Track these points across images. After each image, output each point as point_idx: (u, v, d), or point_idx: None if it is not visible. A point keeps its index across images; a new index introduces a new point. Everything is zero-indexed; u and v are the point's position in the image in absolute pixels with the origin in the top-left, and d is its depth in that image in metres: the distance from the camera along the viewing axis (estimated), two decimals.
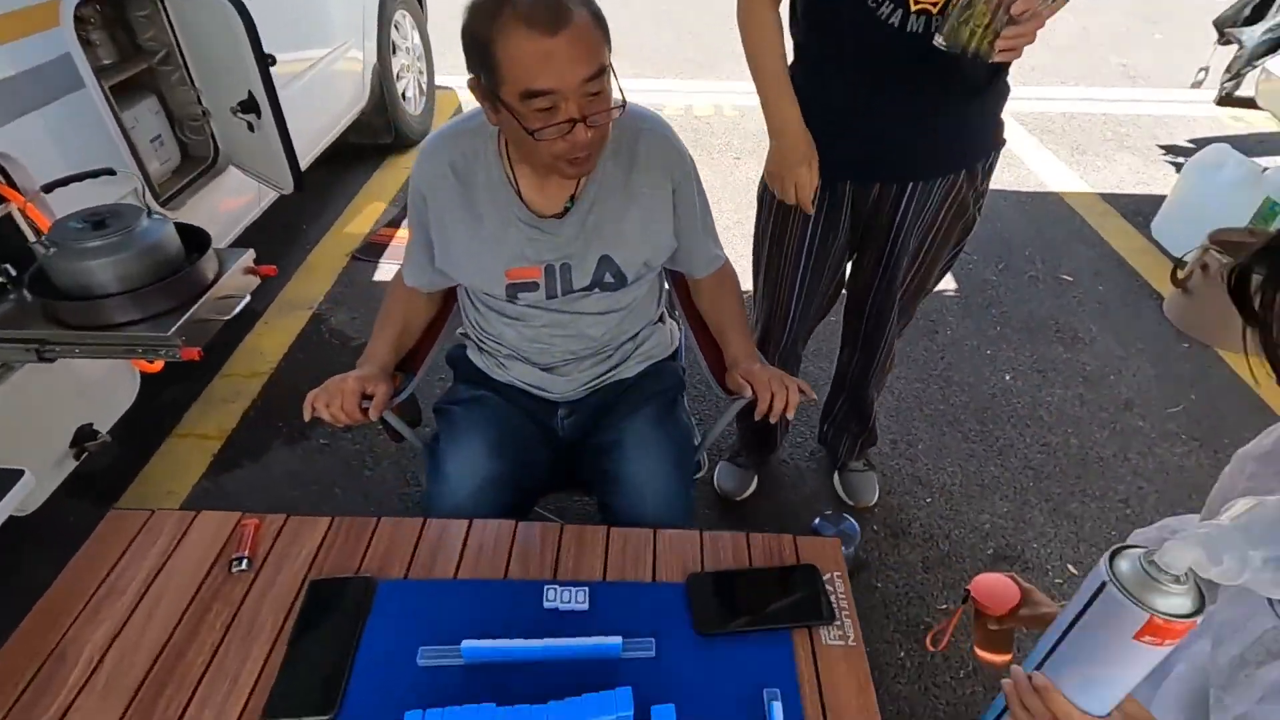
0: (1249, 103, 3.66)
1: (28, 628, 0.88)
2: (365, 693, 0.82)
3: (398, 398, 1.27)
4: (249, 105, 1.75)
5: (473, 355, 1.36)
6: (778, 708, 0.79)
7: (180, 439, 2.04)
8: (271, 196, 2.40)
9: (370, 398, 1.16)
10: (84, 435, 1.53)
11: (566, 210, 1.16)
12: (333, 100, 2.91)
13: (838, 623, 0.91)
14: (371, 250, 2.88)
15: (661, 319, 1.42)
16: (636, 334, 1.35)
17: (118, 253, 1.16)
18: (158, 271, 1.21)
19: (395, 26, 3.42)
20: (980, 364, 2.36)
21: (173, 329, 1.17)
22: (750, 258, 1.57)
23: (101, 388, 1.62)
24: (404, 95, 3.56)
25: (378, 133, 3.38)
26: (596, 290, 1.21)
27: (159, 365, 1.61)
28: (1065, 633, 0.61)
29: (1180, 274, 2.48)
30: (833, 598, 0.93)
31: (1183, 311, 2.50)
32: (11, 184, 1.37)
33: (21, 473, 1.21)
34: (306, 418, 1.13)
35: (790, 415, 1.15)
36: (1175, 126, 4.12)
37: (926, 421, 2.14)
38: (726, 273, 1.35)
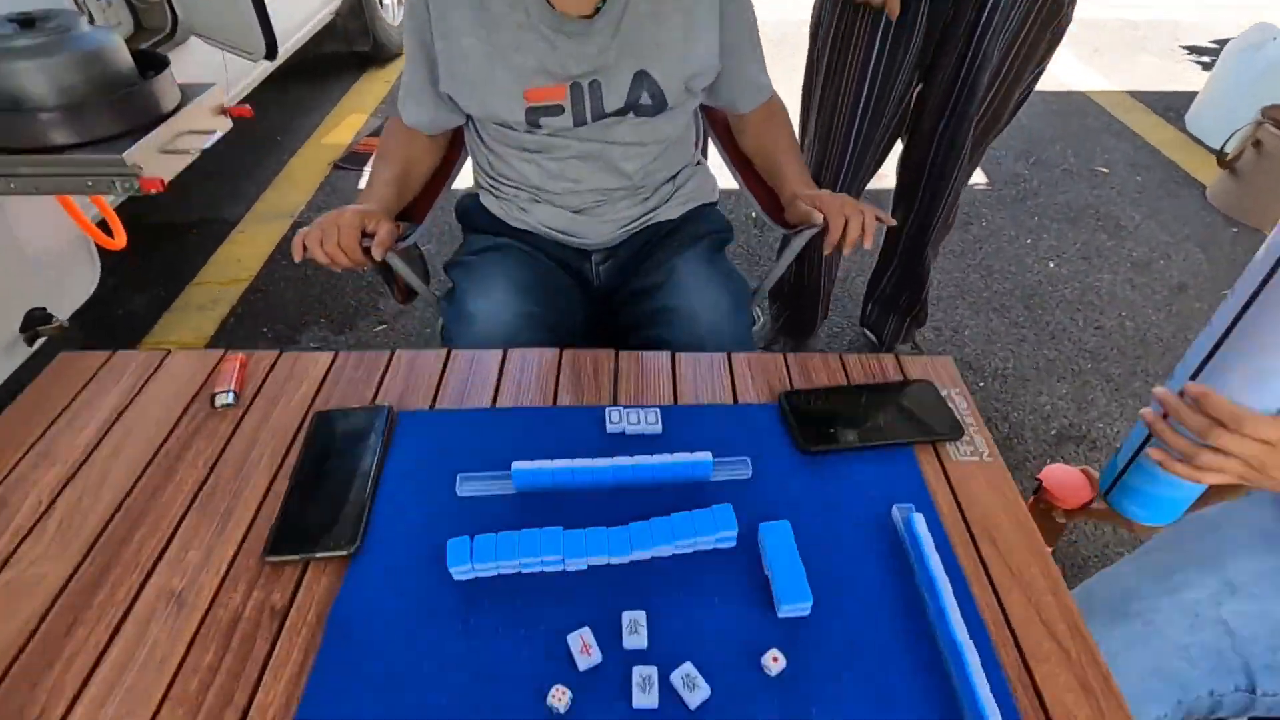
0: None
1: None
2: (393, 526, 0.65)
3: (402, 241, 1.07)
4: None
5: (487, 203, 1.16)
6: (918, 520, 0.62)
7: (152, 347, 1.83)
8: (242, 83, 2.15)
9: (371, 236, 0.96)
10: (36, 319, 1.33)
11: (597, 10, 0.96)
12: None
13: (967, 438, 0.74)
14: (355, 159, 2.64)
15: (699, 164, 1.23)
16: (676, 175, 1.16)
17: (51, 55, 0.95)
18: (104, 87, 0.99)
19: None
20: (1021, 252, 2.20)
21: (126, 151, 0.97)
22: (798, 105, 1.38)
23: (55, 268, 1.41)
24: (382, 2, 3.28)
25: (354, 39, 3.10)
26: (631, 115, 1.02)
27: (120, 240, 1.40)
28: (1229, 330, 0.57)
29: (1229, 154, 2.31)
30: (955, 414, 0.76)
31: (1232, 195, 2.35)
32: None
33: None
34: (297, 258, 0.93)
35: (868, 243, 0.98)
36: (1194, 30, 3.93)
37: (970, 309, 1.98)
38: (775, 106, 1.16)
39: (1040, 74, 1.27)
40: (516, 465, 0.66)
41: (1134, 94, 3.18)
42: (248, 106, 1.21)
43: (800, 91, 1.39)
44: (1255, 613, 0.70)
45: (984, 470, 0.71)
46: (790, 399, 0.76)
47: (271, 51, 1.68)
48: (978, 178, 2.54)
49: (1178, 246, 2.24)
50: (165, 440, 0.73)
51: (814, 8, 1.26)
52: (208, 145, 1.13)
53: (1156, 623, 0.70)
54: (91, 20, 1.48)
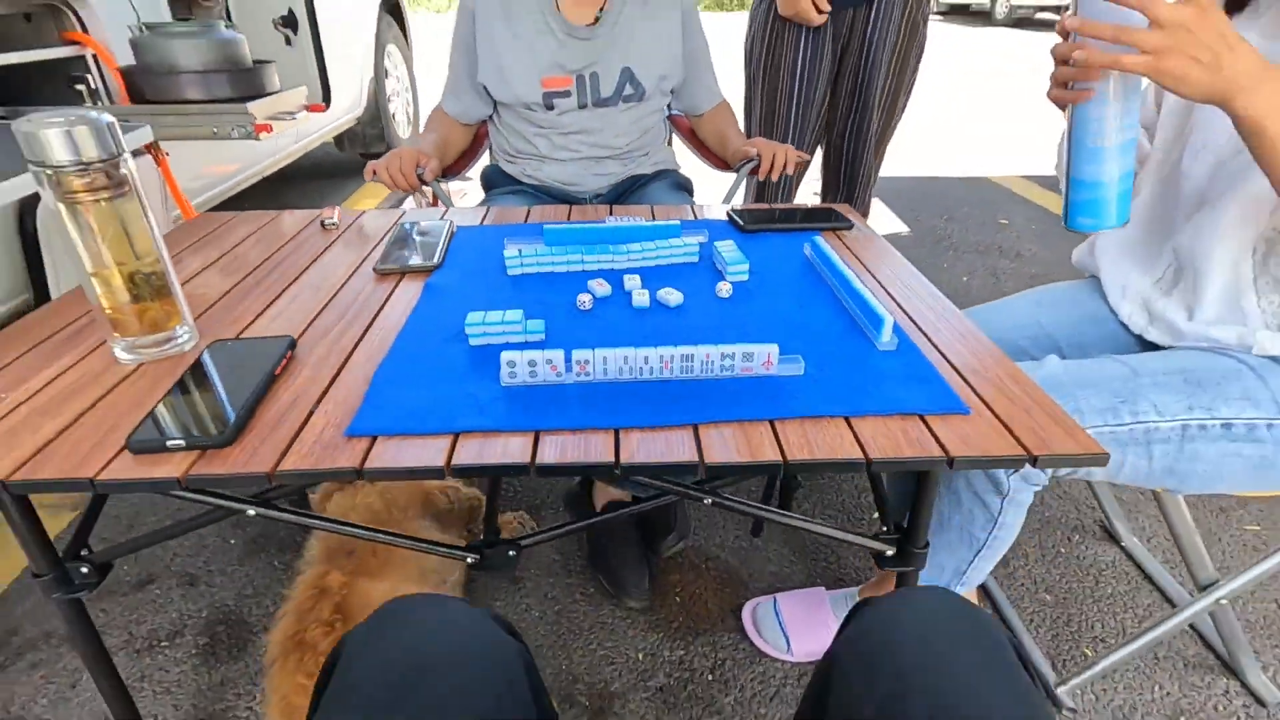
0: None
1: None
2: (463, 256, 0.94)
3: (443, 178, 1.43)
4: (288, 20, 1.98)
5: (505, 168, 1.54)
6: (821, 241, 0.93)
7: None
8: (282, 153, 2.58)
9: (423, 169, 1.32)
10: None
11: (597, 20, 1.40)
12: (339, 84, 3.15)
13: (858, 228, 1.07)
14: None
15: (668, 146, 1.64)
16: (649, 151, 1.56)
17: (198, 38, 1.33)
18: (228, 65, 1.38)
19: (387, 55, 3.78)
20: (937, 273, 2.62)
21: (249, 105, 1.33)
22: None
23: None
24: (394, 117, 3.88)
25: (370, 143, 3.65)
26: (621, 103, 1.43)
27: (191, 213, 1.72)
28: None
29: None
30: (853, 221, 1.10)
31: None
32: (84, 29, 1.54)
33: None
34: (368, 179, 1.29)
35: (791, 171, 1.36)
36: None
37: None
38: (726, 106, 1.59)
39: (914, 80, 1.73)
40: (548, 225, 0.97)
41: (1026, 177, 3.82)
42: (321, 104, 1.60)
43: (742, 102, 1.84)
44: (1058, 316, 1.01)
45: (871, 239, 1.04)
46: (734, 211, 1.09)
47: (327, 101, 2.12)
48: (901, 228, 3.03)
49: (1065, 266, 2.68)
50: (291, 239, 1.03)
51: (746, 33, 1.73)
52: (292, 122, 1.50)
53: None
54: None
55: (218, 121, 1.34)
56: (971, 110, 5.47)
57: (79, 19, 1.54)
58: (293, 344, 0.71)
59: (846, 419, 0.61)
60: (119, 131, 0.64)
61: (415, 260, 0.92)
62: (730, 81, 1.59)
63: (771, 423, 0.60)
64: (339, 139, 3.48)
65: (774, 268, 0.92)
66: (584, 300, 0.80)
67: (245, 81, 1.38)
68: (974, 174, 3.89)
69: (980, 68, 7.62)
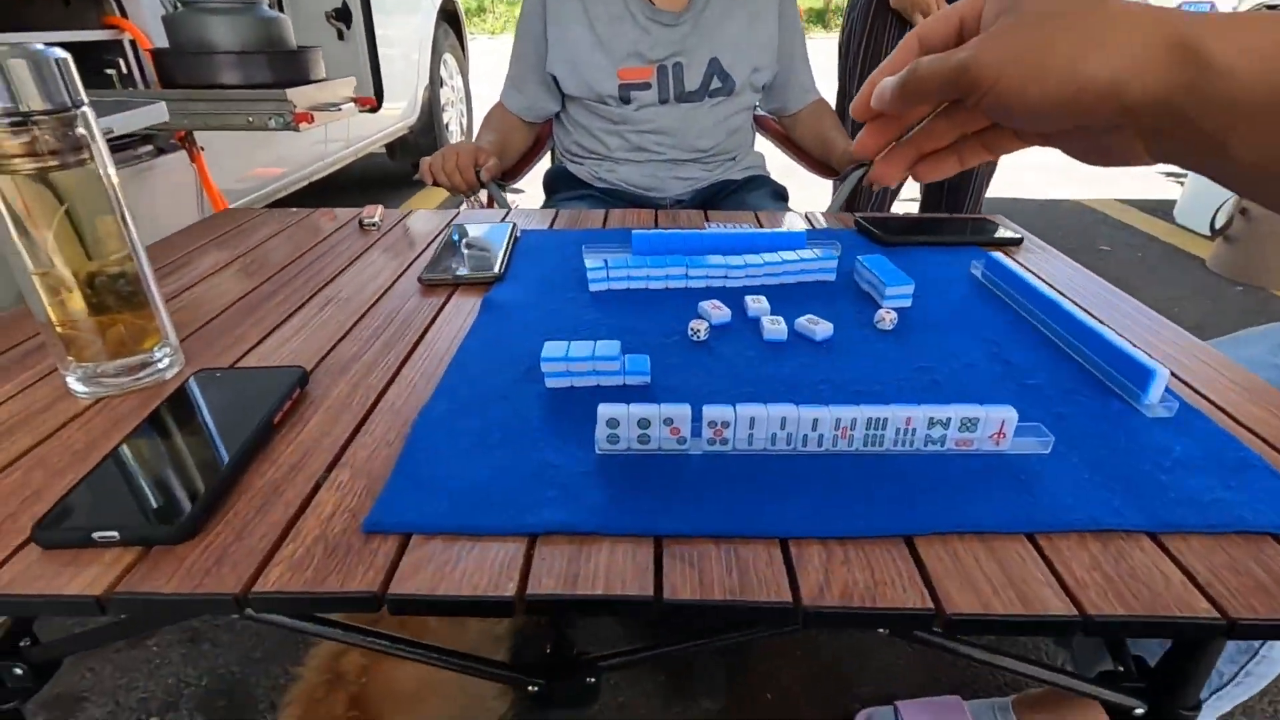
0: None
1: None
2: (528, 273, 0.74)
3: (501, 180, 1.25)
4: (341, 13, 1.84)
5: (573, 169, 1.35)
6: (1000, 256, 0.70)
7: None
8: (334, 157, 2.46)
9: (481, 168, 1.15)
10: None
11: (686, 5, 1.20)
12: (393, 87, 3.03)
13: (1027, 243, 0.84)
14: None
15: (756, 152, 1.43)
16: (736, 155, 1.35)
17: (236, 15, 1.18)
18: (269, 47, 1.22)
19: (443, 64, 3.68)
20: None
21: (289, 92, 1.17)
22: None
23: None
24: (447, 128, 3.77)
25: (423, 152, 3.52)
26: (707, 99, 1.23)
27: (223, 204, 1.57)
28: None
29: (1220, 224, 2.53)
30: (1013, 231, 0.86)
31: (1230, 260, 2.52)
32: (124, 14, 1.41)
33: None
34: (428, 181, 1.13)
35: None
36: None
37: None
38: (823, 105, 1.38)
39: None
40: (636, 231, 0.76)
41: (1122, 200, 3.50)
42: (372, 98, 1.44)
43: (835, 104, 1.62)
44: None
45: (1056, 260, 0.80)
46: (865, 218, 0.87)
47: (379, 99, 1.97)
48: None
49: (1185, 301, 2.37)
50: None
51: (843, 26, 1.52)
52: (337, 116, 1.33)
53: None
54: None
55: (254, 109, 1.18)
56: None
57: (119, 3, 1.42)
58: (304, 378, 0.51)
59: (1152, 536, 0.38)
60: (75, 75, 0.46)
61: (470, 269, 0.72)
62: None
63: (1033, 538, 0.38)
64: (390, 147, 3.37)
65: (937, 293, 0.69)
66: (697, 329, 0.58)
67: (286, 65, 1.22)
68: (1062, 195, 3.58)
69: None
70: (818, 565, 0.36)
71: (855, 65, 1.51)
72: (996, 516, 0.39)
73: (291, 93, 1.17)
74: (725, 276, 0.69)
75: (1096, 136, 0.30)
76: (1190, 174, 3.16)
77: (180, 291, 0.71)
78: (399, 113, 3.16)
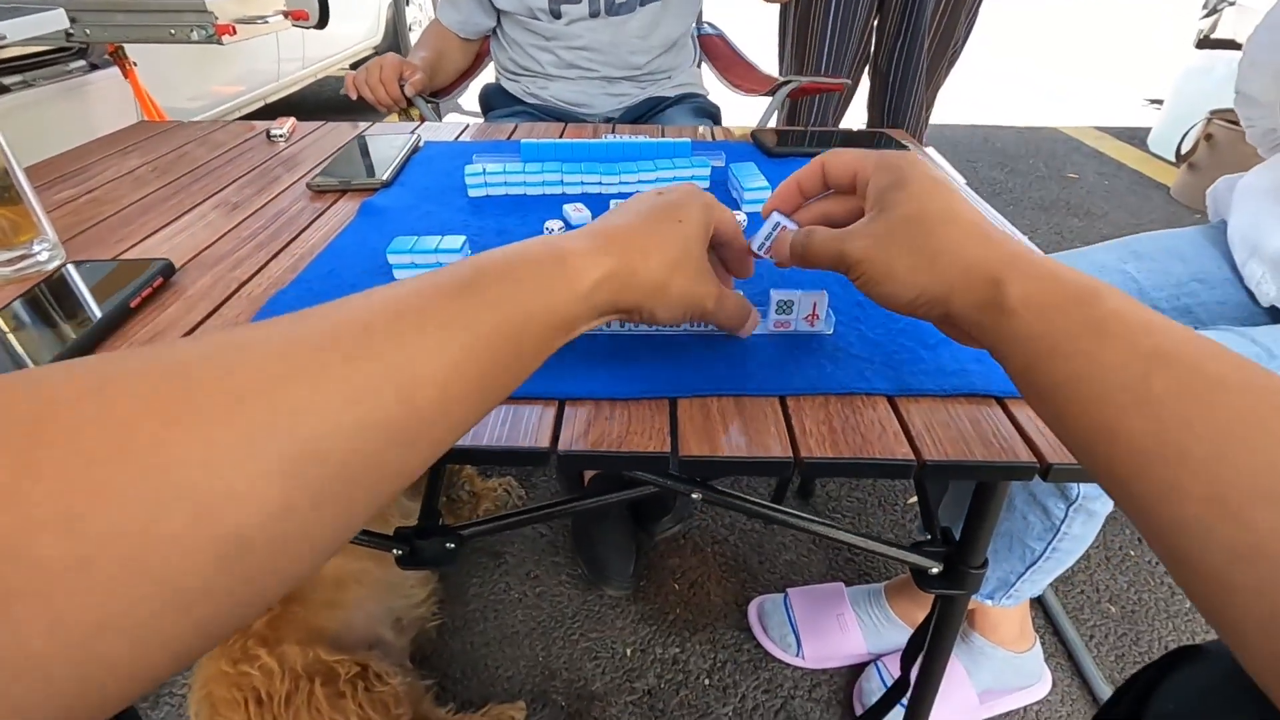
0: (1229, 44, 3.80)
1: None
2: (423, 169, 0.76)
3: (430, 98, 1.25)
4: None
5: (507, 86, 1.34)
6: None
7: None
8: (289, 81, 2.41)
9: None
10: None
11: None
12: (350, 8, 2.94)
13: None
14: None
15: (696, 68, 1.42)
16: (671, 73, 1.34)
17: None
18: None
19: None
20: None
21: (209, 3, 1.15)
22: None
23: None
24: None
25: None
26: (639, 6, 1.21)
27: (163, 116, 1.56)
28: None
29: (1183, 152, 2.52)
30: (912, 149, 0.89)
31: (1192, 188, 2.53)
32: None
33: None
34: (353, 96, 1.13)
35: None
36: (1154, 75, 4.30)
37: None
38: None
39: (979, 3, 1.47)
40: (524, 141, 0.78)
41: (1099, 128, 3.46)
42: (304, 10, 1.41)
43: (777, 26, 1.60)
44: (1156, 270, 0.80)
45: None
46: (759, 131, 0.89)
47: (324, 19, 1.92)
48: (955, 177, 2.75)
49: (1144, 228, 2.39)
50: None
51: None
52: (264, 32, 1.32)
53: None
54: None
55: (176, 20, 1.17)
56: (1039, 52, 5.02)
57: None
58: (170, 269, 0.55)
59: (890, 399, 0.43)
60: None
61: (356, 176, 0.74)
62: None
63: (782, 400, 0.43)
64: (355, 69, 3.29)
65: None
66: (553, 228, 0.62)
67: None
68: (1040, 123, 3.53)
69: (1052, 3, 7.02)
70: (584, 419, 0.41)
71: None
72: (757, 383, 0.43)
73: (213, 3, 1.15)
74: (600, 183, 0.72)
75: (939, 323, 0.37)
76: (1165, 103, 3.12)
77: (78, 196, 0.73)
78: (361, 33, 3.07)
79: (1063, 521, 0.70)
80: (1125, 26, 6.30)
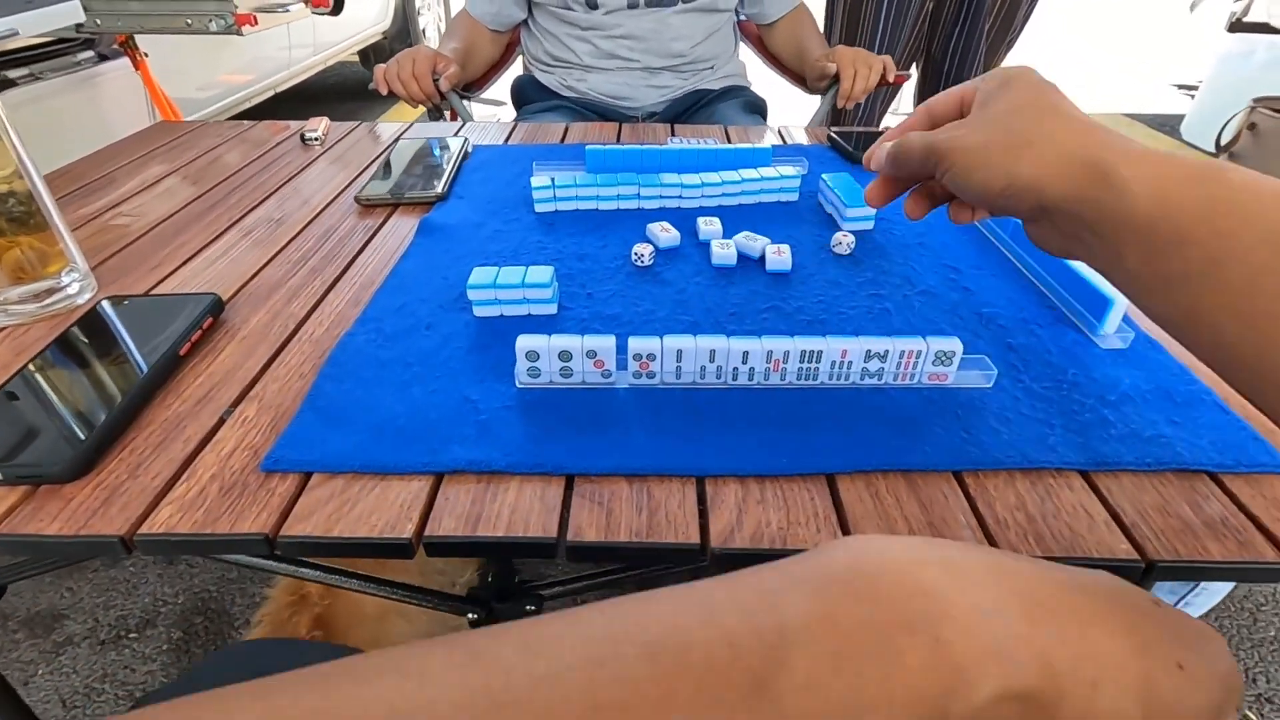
0: (1263, 28, 3.68)
1: None
2: (477, 187, 0.69)
3: (464, 91, 1.17)
4: None
5: (541, 78, 1.27)
6: None
7: None
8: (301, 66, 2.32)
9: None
10: None
11: None
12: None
13: None
14: None
15: (737, 58, 1.34)
16: (714, 63, 1.26)
17: None
18: None
19: None
20: None
21: None
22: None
23: None
24: (424, 34, 3.56)
25: None
26: (679, 2, 1.13)
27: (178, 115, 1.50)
28: None
29: (1224, 140, 2.43)
30: None
31: None
32: None
33: None
34: (383, 91, 1.05)
35: (887, 81, 1.06)
36: (1184, 62, 4.19)
37: None
38: (803, 13, 1.28)
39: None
40: (590, 147, 0.71)
41: (1130, 115, 3.36)
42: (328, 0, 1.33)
43: (823, 8, 1.51)
44: None
45: None
46: (839, 133, 0.82)
47: (339, 6, 1.84)
48: None
49: None
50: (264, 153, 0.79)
51: None
52: (285, 20, 1.24)
53: None
54: None
55: (193, 10, 1.09)
56: (1064, 38, 4.89)
57: None
58: (218, 306, 0.49)
59: (1084, 474, 0.37)
60: None
61: (411, 189, 0.68)
62: None
63: (958, 475, 0.36)
64: (364, 55, 3.20)
65: (903, 215, 0.65)
66: (641, 253, 0.55)
67: None
68: None
69: None
70: (732, 504, 0.34)
71: None
72: (924, 454, 0.37)
73: None
74: (680, 196, 0.65)
75: (1028, 224, 0.34)
76: (1201, 89, 3.03)
77: (104, 210, 0.66)
78: (370, 17, 2.98)
79: (1192, 591, 0.64)
80: (1149, 9, 6.15)
